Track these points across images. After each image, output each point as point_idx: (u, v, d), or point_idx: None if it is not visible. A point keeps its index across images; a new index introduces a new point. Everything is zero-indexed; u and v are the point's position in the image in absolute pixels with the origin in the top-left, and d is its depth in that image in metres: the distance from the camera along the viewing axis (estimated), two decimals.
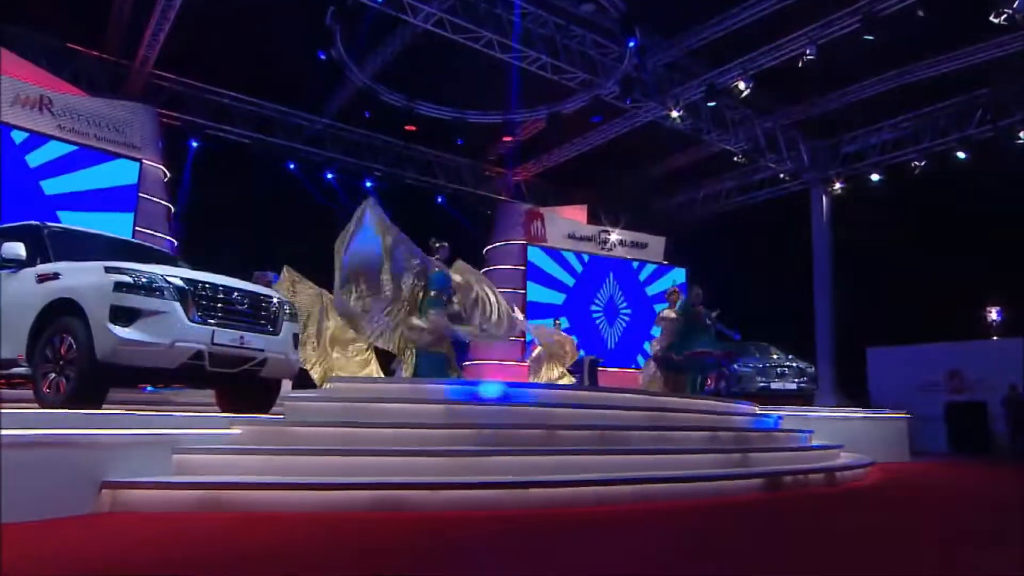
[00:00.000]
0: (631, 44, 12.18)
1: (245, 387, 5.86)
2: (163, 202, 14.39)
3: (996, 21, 10.81)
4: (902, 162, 16.20)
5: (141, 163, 13.99)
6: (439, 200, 18.94)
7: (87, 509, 3.96)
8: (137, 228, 13.42)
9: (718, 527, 4.37)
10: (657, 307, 15.92)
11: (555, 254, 17.97)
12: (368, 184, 17.77)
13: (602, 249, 18.71)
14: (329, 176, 17.54)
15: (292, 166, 17.07)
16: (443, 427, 5.22)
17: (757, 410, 8.90)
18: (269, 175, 16.60)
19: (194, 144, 16.12)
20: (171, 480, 4.20)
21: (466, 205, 19.26)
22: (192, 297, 5.16)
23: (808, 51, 11.97)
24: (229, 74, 15.36)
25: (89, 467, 4.00)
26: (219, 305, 5.30)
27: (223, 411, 6.20)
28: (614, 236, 18.81)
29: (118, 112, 13.85)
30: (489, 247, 18.04)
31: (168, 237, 14.06)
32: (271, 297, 5.78)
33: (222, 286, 5.40)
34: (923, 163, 15.66)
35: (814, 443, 8.14)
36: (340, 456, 4.66)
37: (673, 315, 10.35)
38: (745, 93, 13.26)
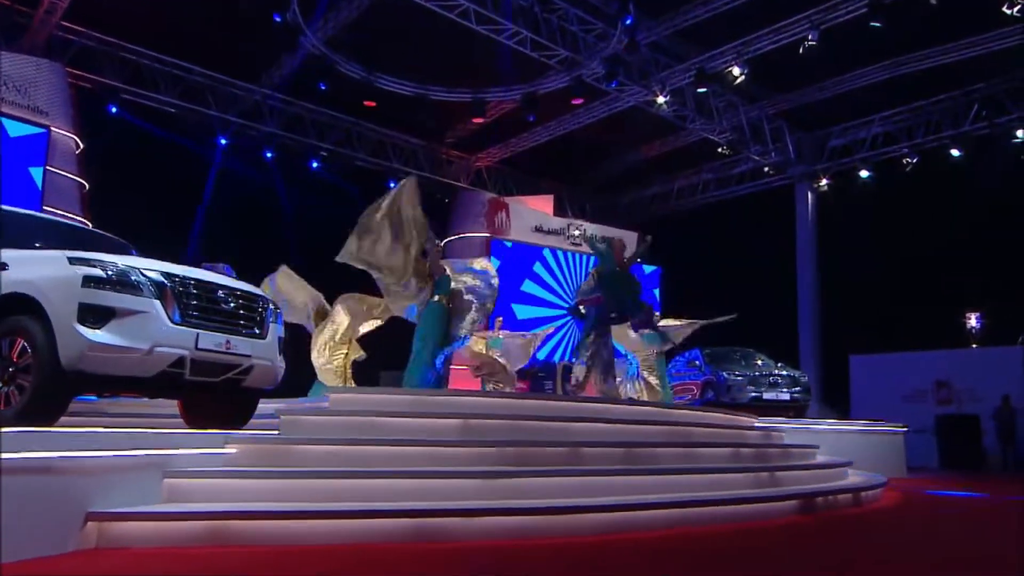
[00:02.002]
0: (627, 22, 12.26)
1: (222, 398, 5.64)
2: (75, 177, 13.69)
3: (1009, 12, 11.36)
4: (893, 158, 16.87)
5: (49, 131, 13.27)
6: (391, 184, 18.63)
7: (71, 546, 3.71)
8: (46, 208, 12.70)
9: (779, 557, 4.45)
10: None
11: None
12: (314, 165, 17.37)
13: (570, 244, 18.82)
14: (269, 155, 17.04)
15: (224, 141, 16.50)
16: (462, 445, 5.14)
17: (756, 423, 9.12)
18: (202, 151, 16.03)
19: (113, 110, 15.38)
20: (168, 510, 3.99)
21: (421, 192, 19.01)
22: (173, 294, 4.90)
23: (810, 36, 12.32)
24: (151, 31, 14.69)
25: (72, 496, 3.75)
26: (203, 304, 5.05)
27: (188, 424, 5.96)
28: (582, 230, 18.93)
29: (20, 68, 13.08)
30: (447, 239, 17.87)
31: (81, 219, 13.39)
32: (257, 295, 5.56)
33: (205, 282, 5.16)
34: (915, 160, 16.35)
35: (823, 459, 8.40)
36: (357, 479, 4.54)
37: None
38: (740, 80, 13.55)
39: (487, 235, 17.67)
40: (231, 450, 4.58)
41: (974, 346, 19.21)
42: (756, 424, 8.96)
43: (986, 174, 15.27)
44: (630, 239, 19.36)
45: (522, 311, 17.66)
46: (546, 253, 18.32)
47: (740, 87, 14.95)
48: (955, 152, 15.77)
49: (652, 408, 7.23)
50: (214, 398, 5.62)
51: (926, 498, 8.52)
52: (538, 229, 18.33)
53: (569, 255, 18.71)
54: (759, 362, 13.86)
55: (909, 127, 16.58)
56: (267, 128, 16.83)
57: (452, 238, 17.90)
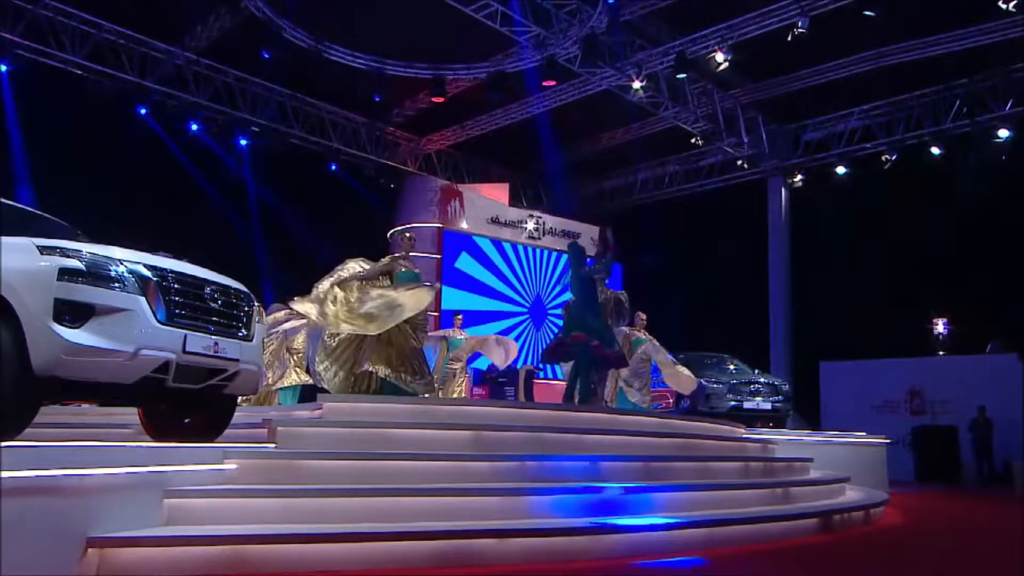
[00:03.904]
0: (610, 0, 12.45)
1: (197, 406, 5.54)
2: None
3: (1004, 7, 12.03)
4: (871, 154, 17.60)
5: None
6: (331, 167, 18.41)
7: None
8: None
9: None
10: None
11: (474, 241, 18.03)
12: (243, 142, 16.97)
13: (527, 238, 18.95)
14: (194, 127, 16.56)
15: (144, 111, 15.94)
16: (478, 459, 5.19)
17: (743, 433, 9.45)
18: (114, 119, 15.44)
19: (2, 68, 14.66)
20: (177, 534, 3.90)
21: (365, 175, 18.87)
22: (158, 290, 4.77)
23: (800, 23, 12.76)
24: None
25: (71, 519, 3.64)
26: (189, 302, 4.93)
27: (151, 436, 5.81)
28: (541, 223, 19.11)
29: None
30: (395, 229, 17.78)
31: None
32: (243, 292, 5.46)
33: (190, 276, 5.03)
34: (894, 156, 17.12)
35: (819, 474, 8.78)
36: (371, 497, 4.53)
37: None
38: (723, 66, 13.92)
39: (439, 225, 17.63)
40: (231, 466, 4.51)
41: (941, 353, 20.26)
42: (745, 435, 9.30)
43: (966, 174, 16.11)
44: (591, 234, 19.82)
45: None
46: (506, 247, 18.43)
47: (718, 75, 15.35)
48: (935, 150, 16.57)
49: (661, 419, 7.43)
50: (192, 406, 5.52)
51: (929, 513, 9.00)
52: (494, 220, 18.39)
53: (529, 250, 18.84)
54: (732, 367, 14.30)
55: (889, 122, 17.34)
56: (192, 97, 16.32)
57: (400, 228, 17.79)
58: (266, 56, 13.47)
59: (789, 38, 13.02)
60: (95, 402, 5.96)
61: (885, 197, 17.69)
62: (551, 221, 19.43)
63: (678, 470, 6.11)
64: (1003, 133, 15.76)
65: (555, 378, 17.44)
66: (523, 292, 18.55)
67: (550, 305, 18.60)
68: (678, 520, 5.13)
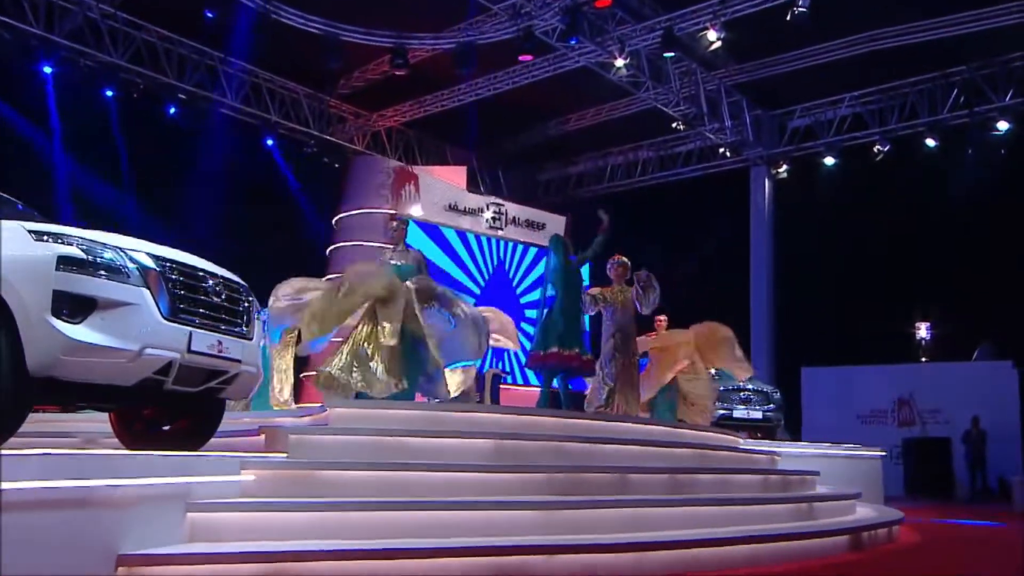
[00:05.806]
0: None
1: (187, 411, 5.60)
2: None
3: None
4: (862, 144, 18.28)
5: None
6: (268, 142, 18.23)
7: None
8: None
9: None
10: None
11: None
12: (171, 110, 16.70)
13: (487, 227, 19.14)
14: (109, 93, 16.23)
15: (49, 69, 15.53)
16: (506, 470, 5.39)
17: (742, 443, 9.89)
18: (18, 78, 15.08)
19: None
20: (211, 551, 4.01)
21: (306, 153, 18.74)
22: (161, 281, 4.82)
23: (800, 1, 13.21)
24: None
25: (101, 534, 3.72)
26: (192, 295, 4.99)
27: (125, 445, 5.83)
28: (502, 211, 19.33)
29: None
30: (342, 215, 17.78)
31: None
32: (240, 285, 5.54)
33: (191, 266, 5.09)
34: (887, 148, 17.81)
35: (828, 489, 9.25)
36: (402, 510, 4.71)
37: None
38: (715, 45, 14.34)
39: (391, 211, 17.66)
40: (248, 477, 4.61)
41: (924, 360, 21.21)
42: (747, 446, 9.72)
43: (964, 168, 16.90)
44: (557, 225, 20.17)
45: None
46: (470, 237, 18.60)
47: (703, 54, 15.80)
48: (930, 142, 17.32)
49: (673, 429, 7.76)
50: (184, 412, 5.58)
51: (941, 530, 9.54)
52: (452, 208, 18.52)
53: (494, 241, 19.02)
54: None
55: (881, 110, 18.03)
56: (107, 58, 15.95)
57: (347, 214, 17.81)
58: (210, 16, 13.30)
59: (788, 18, 13.47)
60: (110, 407, 5.92)
61: (876, 191, 18.40)
62: (514, 210, 19.65)
63: (702, 483, 6.43)
64: (1002, 125, 16.52)
65: (525, 383, 17.70)
66: (483, 285, 18.74)
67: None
68: (718, 536, 5.44)
